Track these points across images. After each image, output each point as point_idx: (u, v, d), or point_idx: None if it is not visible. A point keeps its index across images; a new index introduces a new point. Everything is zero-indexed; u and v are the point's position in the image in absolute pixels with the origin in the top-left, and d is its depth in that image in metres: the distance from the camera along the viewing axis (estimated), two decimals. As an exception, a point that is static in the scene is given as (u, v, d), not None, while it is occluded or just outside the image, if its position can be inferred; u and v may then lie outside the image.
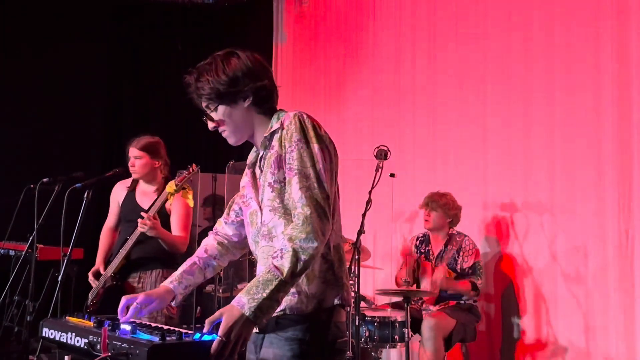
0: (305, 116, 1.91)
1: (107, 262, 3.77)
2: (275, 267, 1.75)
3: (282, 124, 1.92)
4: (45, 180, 3.67)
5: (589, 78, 4.14)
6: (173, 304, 2.11)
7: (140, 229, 3.43)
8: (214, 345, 1.67)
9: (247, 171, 2.05)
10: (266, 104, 1.99)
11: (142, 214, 3.44)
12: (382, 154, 4.09)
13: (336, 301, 1.88)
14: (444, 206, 4.39)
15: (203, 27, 6.77)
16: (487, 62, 4.81)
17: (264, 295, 1.72)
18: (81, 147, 6.22)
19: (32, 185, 3.98)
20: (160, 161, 3.78)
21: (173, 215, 3.68)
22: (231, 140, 2.02)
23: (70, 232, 3.12)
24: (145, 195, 3.77)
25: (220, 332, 1.69)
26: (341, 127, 6.07)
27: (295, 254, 1.75)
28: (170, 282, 2.08)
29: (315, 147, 1.86)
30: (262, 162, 1.97)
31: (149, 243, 3.56)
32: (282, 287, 1.74)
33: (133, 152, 3.78)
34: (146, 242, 3.55)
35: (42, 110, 6.06)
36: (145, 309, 2.00)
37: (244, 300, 1.73)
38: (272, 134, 1.94)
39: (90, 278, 3.71)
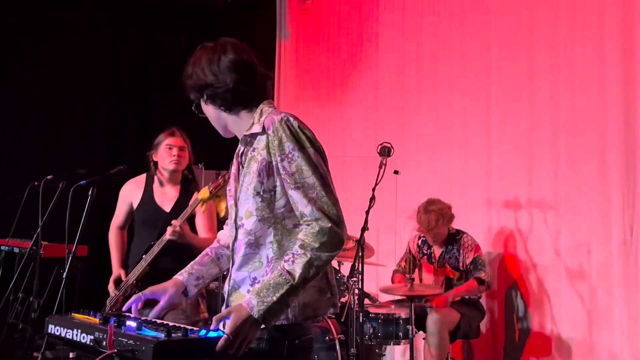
0: (292, 119, 1.85)
1: (125, 267, 3.46)
2: (287, 271, 1.74)
3: (264, 127, 1.87)
4: (49, 177, 3.66)
5: (593, 75, 4.12)
6: (189, 296, 2.07)
7: (170, 236, 3.11)
8: (220, 342, 1.68)
9: (234, 161, 2.01)
10: (227, 103, 1.93)
11: (173, 222, 3.12)
12: (385, 151, 4.08)
13: (331, 310, 1.89)
14: (443, 223, 4.30)
15: (206, 24, 6.76)
16: (491, 59, 4.79)
17: (274, 299, 1.72)
18: (84, 145, 6.22)
19: (36, 183, 3.98)
20: (190, 159, 3.52)
21: (198, 216, 3.40)
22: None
23: (74, 229, 3.12)
24: (166, 196, 3.46)
25: (227, 330, 1.70)
26: (345, 124, 6.06)
27: (309, 261, 1.74)
28: (180, 274, 2.07)
29: (311, 151, 1.82)
30: (243, 158, 1.95)
31: (177, 251, 3.15)
32: (292, 292, 1.74)
33: (176, 141, 3.45)
34: (173, 250, 3.17)
35: (45, 107, 6.07)
36: (154, 310, 1.98)
37: (254, 302, 1.73)
38: (254, 134, 1.90)
39: (111, 286, 3.42)
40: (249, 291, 1.87)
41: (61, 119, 6.15)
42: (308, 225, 1.78)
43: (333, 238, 1.76)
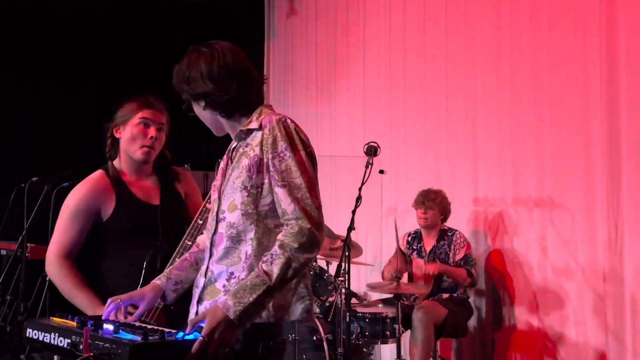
0: (289, 121, 1.88)
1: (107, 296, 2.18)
2: (265, 272, 1.74)
3: (261, 125, 1.89)
4: (34, 179, 3.65)
5: (577, 74, 4.15)
6: (167, 301, 2.07)
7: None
8: (195, 345, 1.67)
9: (224, 157, 2.03)
10: (228, 110, 1.94)
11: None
12: (372, 151, 4.09)
13: (304, 314, 1.88)
14: (439, 204, 4.43)
15: (195, 24, 6.75)
16: (477, 59, 4.81)
17: (251, 299, 1.72)
18: (74, 146, 6.19)
19: (22, 185, 3.97)
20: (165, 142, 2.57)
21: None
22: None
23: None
24: (145, 188, 2.53)
25: (203, 332, 1.69)
26: (333, 124, 6.08)
27: (287, 262, 1.74)
28: (158, 278, 2.07)
29: (302, 154, 1.84)
30: (234, 153, 1.96)
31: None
32: (269, 293, 1.74)
33: (156, 116, 2.48)
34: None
35: (35, 109, 6.04)
36: (134, 315, 1.98)
37: (230, 303, 1.72)
38: (250, 130, 1.92)
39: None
40: (224, 285, 1.86)
41: (49, 120, 6.12)
42: (288, 224, 1.79)
43: (312, 240, 1.77)
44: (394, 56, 5.49)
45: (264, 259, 1.77)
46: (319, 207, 1.81)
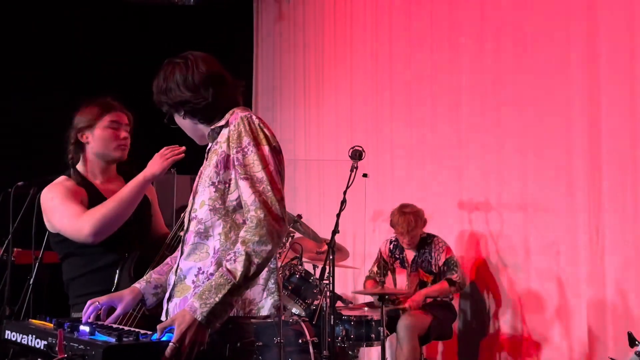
0: (254, 117, 1.91)
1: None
2: (228, 270, 1.74)
3: (228, 122, 1.92)
4: (20, 183, 3.64)
5: (559, 81, 4.21)
6: (147, 305, 2.08)
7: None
8: (167, 351, 1.67)
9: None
10: (206, 116, 1.98)
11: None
12: (356, 155, 4.11)
13: (273, 310, 1.89)
14: (421, 223, 4.41)
15: (183, 28, 6.77)
16: (462, 65, 4.87)
17: (217, 299, 1.72)
18: (60, 150, 6.18)
19: (10, 190, 3.97)
20: None
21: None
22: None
23: (42, 235, 3.11)
24: (112, 193, 2.46)
25: (173, 339, 1.69)
26: (320, 127, 6.11)
27: (249, 258, 1.75)
28: (138, 282, 2.08)
29: (265, 148, 1.87)
30: (207, 154, 2.00)
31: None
32: (235, 291, 1.74)
33: (122, 117, 2.54)
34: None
35: (34, 109, 6.03)
36: (111, 317, 2.00)
37: (197, 305, 1.72)
38: (220, 127, 1.95)
39: None
40: (194, 281, 1.88)
41: (49, 120, 6.10)
42: (248, 218, 1.80)
43: (271, 231, 1.77)
44: (381, 61, 5.53)
45: (228, 257, 1.78)
46: (280, 200, 1.83)
